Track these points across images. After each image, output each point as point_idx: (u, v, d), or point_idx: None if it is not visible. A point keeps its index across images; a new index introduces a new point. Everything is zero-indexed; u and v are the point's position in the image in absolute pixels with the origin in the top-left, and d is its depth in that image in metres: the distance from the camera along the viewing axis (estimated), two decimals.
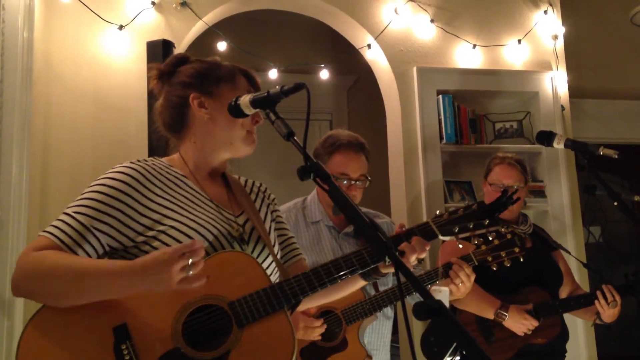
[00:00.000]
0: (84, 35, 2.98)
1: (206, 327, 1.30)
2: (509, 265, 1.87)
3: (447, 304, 2.02)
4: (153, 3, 3.06)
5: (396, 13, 3.45)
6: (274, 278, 1.47)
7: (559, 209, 3.49)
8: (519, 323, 2.41)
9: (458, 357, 2.30)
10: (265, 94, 1.30)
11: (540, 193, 3.50)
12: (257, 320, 1.30)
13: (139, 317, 1.27)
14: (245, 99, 1.33)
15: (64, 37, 2.96)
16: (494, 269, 1.89)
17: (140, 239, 1.34)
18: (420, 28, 3.51)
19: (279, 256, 1.54)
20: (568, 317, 2.65)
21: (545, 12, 3.73)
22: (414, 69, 3.43)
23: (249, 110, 1.33)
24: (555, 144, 2.31)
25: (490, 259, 1.91)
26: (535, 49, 3.70)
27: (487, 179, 2.69)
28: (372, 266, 1.42)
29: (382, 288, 2.22)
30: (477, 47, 3.56)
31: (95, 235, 1.31)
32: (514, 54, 3.64)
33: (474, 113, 3.57)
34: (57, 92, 2.92)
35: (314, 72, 3.80)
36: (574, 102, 3.80)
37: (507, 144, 3.51)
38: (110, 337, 1.25)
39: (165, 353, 1.25)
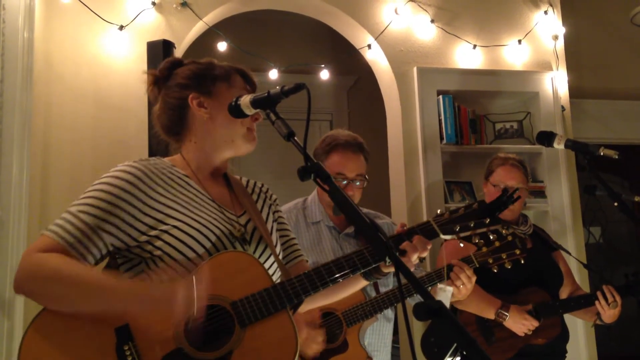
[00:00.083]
0: (84, 36, 2.98)
1: (209, 328, 1.30)
2: (509, 267, 1.87)
3: (447, 305, 2.02)
4: (153, 3, 3.06)
5: (396, 13, 3.45)
6: (276, 278, 1.47)
7: (559, 209, 3.49)
8: (519, 323, 2.41)
9: (458, 358, 2.30)
10: (266, 94, 1.30)
11: (540, 193, 3.50)
12: (260, 320, 1.30)
13: (141, 318, 1.27)
14: (245, 99, 1.33)
15: (64, 37, 2.96)
16: (495, 270, 1.89)
17: (143, 238, 1.34)
18: (421, 28, 3.51)
19: (280, 257, 1.54)
20: (568, 318, 2.64)
21: (546, 12, 3.73)
22: (414, 69, 3.43)
23: (250, 111, 1.33)
24: (555, 145, 2.31)
25: (491, 261, 1.90)
26: (536, 49, 3.70)
27: (490, 180, 2.69)
28: (374, 265, 1.42)
29: (382, 289, 2.21)
30: (477, 47, 3.56)
31: (100, 236, 1.31)
32: (514, 54, 3.64)
33: (474, 113, 3.57)
34: (58, 92, 2.92)
35: (314, 72, 3.80)
36: (574, 103, 3.80)
37: (508, 144, 3.50)
38: (113, 338, 1.25)
39: (167, 353, 1.25)
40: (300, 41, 4.75)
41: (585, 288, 3.23)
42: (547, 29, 3.72)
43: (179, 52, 3.05)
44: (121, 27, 3.00)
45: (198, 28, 3.21)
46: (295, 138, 1.25)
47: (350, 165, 2.28)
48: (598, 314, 2.51)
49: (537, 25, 3.70)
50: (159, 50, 2.80)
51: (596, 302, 2.47)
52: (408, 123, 3.40)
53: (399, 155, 3.41)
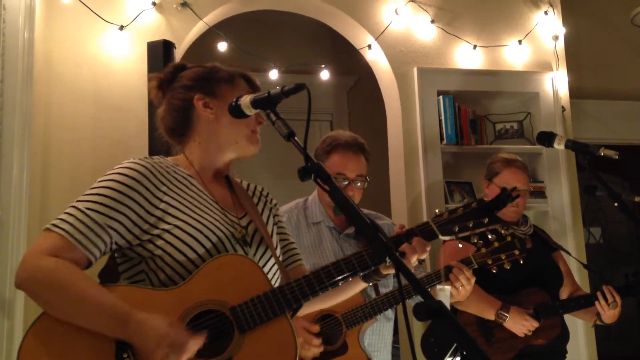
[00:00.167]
0: (84, 36, 2.98)
1: (208, 333, 1.29)
2: (509, 267, 1.87)
3: (447, 305, 2.02)
4: (154, 3, 3.06)
5: (397, 13, 3.45)
6: (276, 280, 1.47)
7: (559, 209, 3.49)
8: (519, 324, 2.40)
9: (458, 358, 2.29)
10: (266, 94, 1.30)
11: (540, 194, 3.50)
12: (259, 325, 1.30)
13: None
14: (245, 100, 1.33)
15: (65, 37, 2.96)
16: (494, 271, 1.89)
17: (145, 237, 1.34)
18: (421, 28, 3.50)
19: (280, 259, 1.54)
20: (568, 318, 2.64)
21: (546, 12, 3.73)
22: (415, 69, 3.43)
23: (250, 111, 1.33)
24: (555, 145, 2.31)
25: (490, 262, 1.90)
26: (536, 49, 3.70)
27: (494, 181, 2.67)
28: (373, 268, 1.42)
29: (382, 290, 2.21)
30: (477, 47, 3.56)
31: (108, 233, 1.31)
32: (514, 55, 3.64)
33: (475, 114, 3.57)
34: (58, 92, 2.92)
35: (315, 72, 3.80)
36: (574, 103, 3.80)
37: (508, 144, 3.50)
38: (112, 345, 1.24)
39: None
40: (300, 41, 4.75)
41: (585, 288, 3.23)
42: (548, 29, 3.72)
43: (179, 52, 3.05)
44: (121, 27, 3.00)
45: (198, 28, 3.21)
46: (296, 138, 1.25)
47: (351, 165, 2.28)
48: (598, 314, 2.51)
49: (537, 26, 3.70)
50: (159, 51, 2.80)
51: (596, 303, 2.47)
52: (408, 123, 3.40)
53: (399, 155, 3.41)
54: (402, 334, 3.01)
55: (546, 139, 2.34)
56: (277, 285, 1.42)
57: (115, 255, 1.40)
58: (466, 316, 2.49)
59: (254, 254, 1.45)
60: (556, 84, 3.64)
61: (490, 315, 2.44)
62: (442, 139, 3.40)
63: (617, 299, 2.45)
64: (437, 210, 1.55)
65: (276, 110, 1.30)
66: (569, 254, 2.82)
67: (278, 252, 1.54)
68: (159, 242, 1.33)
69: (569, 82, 3.73)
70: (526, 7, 3.73)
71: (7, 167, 2.52)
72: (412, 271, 1.16)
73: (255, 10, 3.52)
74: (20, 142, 2.57)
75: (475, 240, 1.57)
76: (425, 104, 3.40)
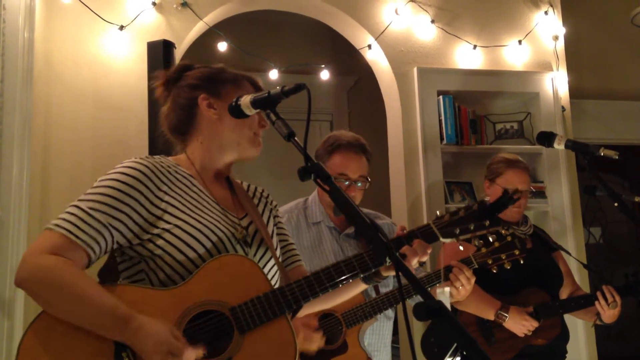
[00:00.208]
0: (84, 36, 2.98)
1: (207, 334, 1.30)
2: (509, 267, 1.87)
3: (448, 306, 2.02)
4: (154, 3, 3.06)
5: (397, 14, 3.45)
6: (276, 280, 1.47)
7: (559, 209, 3.49)
8: (519, 324, 2.40)
9: (458, 358, 2.30)
10: (266, 94, 1.30)
11: (540, 194, 3.50)
12: (259, 326, 1.30)
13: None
14: (245, 100, 1.33)
15: (65, 37, 2.96)
16: (494, 271, 1.89)
17: (146, 236, 1.34)
18: (421, 28, 3.50)
19: (280, 260, 1.54)
20: (568, 318, 2.64)
21: (546, 12, 3.73)
22: (415, 69, 3.43)
23: (250, 111, 1.33)
24: (555, 145, 2.31)
25: (490, 262, 1.90)
26: (536, 49, 3.70)
27: (496, 182, 2.66)
28: (374, 270, 1.42)
29: (383, 289, 2.21)
30: (477, 47, 3.56)
31: (110, 232, 1.31)
32: (514, 55, 3.64)
33: (475, 114, 3.57)
34: (58, 92, 2.92)
35: (315, 72, 3.80)
36: (574, 103, 3.80)
37: (508, 144, 3.50)
38: (111, 345, 1.24)
39: None
40: (300, 41, 4.75)
41: (585, 288, 3.23)
42: (548, 29, 3.72)
43: (179, 52, 3.05)
44: (121, 27, 3.00)
45: (198, 28, 3.21)
46: (296, 138, 1.25)
47: (352, 166, 2.28)
48: (598, 314, 2.51)
49: (537, 26, 3.70)
50: (159, 51, 2.80)
51: (596, 303, 2.47)
52: (408, 123, 3.40)
53: (399, 155, 3.41)
54: (402, 334, 3.01)
55: (546, 139, 2.34)
56: (277, 286, 1.42)
57: (115, 254, 1.40)
58: (466, 316, 2.49)
59: (254, 255, 1.45)
60: (556, 84, 3.64)
61: (490, 315, 2.44)
62: (442, 139, 3.40)
63: (617, 298, 2.45)
64: (437, 212, 1.54)
65: (276, 110, 1.30)
66: (569, 254, 2.81)
67: (278, 253, 1.54)
68: (159, 242, 1.33)
69: (569, 82, 3.73)
70: (526, 7, 3.73)
71: (7, 167, 2.52)
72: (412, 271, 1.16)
73: (255, 10, 3.52)
74: (20, 142, 2.57)
75: (476, 242, 1.57)
76: (425, 104, 3.40)
